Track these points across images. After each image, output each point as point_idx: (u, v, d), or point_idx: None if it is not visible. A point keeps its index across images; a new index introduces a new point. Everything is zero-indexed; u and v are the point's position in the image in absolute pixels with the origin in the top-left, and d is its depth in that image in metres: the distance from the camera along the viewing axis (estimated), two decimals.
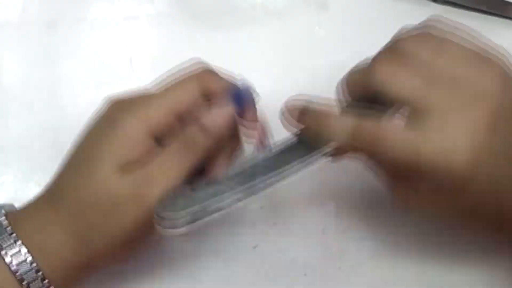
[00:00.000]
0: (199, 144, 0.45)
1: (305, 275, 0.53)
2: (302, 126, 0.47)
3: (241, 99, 0.46)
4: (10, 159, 0.56)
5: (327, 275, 0.53)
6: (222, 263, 0.53)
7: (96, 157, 0.44)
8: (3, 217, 0.44)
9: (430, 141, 0.42)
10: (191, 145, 0.45)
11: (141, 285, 0.52)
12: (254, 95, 0.47)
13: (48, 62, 0.58)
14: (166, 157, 0.45)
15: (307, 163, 0.45)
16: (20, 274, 0.43)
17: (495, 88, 0.43)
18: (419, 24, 0.46)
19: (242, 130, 0.47)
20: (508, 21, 0.61)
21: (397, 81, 0.43)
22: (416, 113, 0.42)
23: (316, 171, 0.45)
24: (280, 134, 0.52)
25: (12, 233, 0.43)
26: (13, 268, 0.42)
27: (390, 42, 0.46)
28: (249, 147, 0.49)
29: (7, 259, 0.42)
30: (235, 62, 0.59)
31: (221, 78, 0.48)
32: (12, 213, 0.45)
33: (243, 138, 0.48)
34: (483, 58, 0.44)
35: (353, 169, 0.50)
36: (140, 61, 0.59)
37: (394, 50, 0.45)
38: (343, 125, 0.44)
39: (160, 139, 0.45)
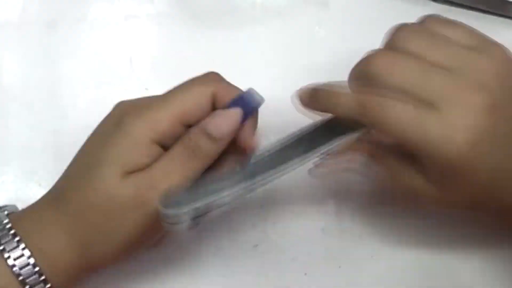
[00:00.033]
0: (204, 149, 0.44)
1: (305, 274, 0.53)
2: (313, 110, 0.47)
3: (247, 106, 0.46)
4: (10, 159, 0.55)
5: (327, 275, 0.53)
6: (222, 263, 0.53)
7: (100, 160, 0.44)
8: (6, 220, 0.44)
9: (429, 125, 0.42)
10: (195, 150, 0.44)
11: (141, 285, 0.52)
12: (260, 101, 0.46)
13: (48, 62, 0.58)
14: (169, 161, 0.44)
15: (306, 161, 0.45)
16: (23, 277, 0.42)
17: (494, 77, 0.43)
18: (416, 20, 0.47)
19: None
20: (507, 20, 0.61)
21: (394, 71, 0.43)
22: (414, 102, 0.43)
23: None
24: (280, 134, 0.52)
25: (15, 236, 0.43)
26: (16, 271, 0.42)
27: (385, 37, 0.46)
28: None
29: (10, 262, 0.42)
30: (235, 62, 0.59)
31: (230, 85, 0.47)
32: (14, 215, 0.45)
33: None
34: (481, 48, 0.44)
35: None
36: (140, 61, 0.59)
37: (390, 44, 0.45)
38: (351, 99, 0.44)
39: (166, 145, 0.45)
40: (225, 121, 0.44)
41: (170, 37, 0.61)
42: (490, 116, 0.42)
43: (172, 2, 0.61)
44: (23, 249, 0.43)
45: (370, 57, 0.44)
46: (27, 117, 0.57)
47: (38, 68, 0.58)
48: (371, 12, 0.61)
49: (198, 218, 0.43)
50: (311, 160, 0.46)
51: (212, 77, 0.47)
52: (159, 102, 0.45)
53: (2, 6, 0.60)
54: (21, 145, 0.56)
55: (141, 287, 0.52)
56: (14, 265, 0.42)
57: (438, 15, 0.47)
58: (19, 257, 0.43)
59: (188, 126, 0.45)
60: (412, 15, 0.47)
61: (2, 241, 0.43)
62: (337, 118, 0.46)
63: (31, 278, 0.43)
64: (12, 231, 0.43)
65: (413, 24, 0.46)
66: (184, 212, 0.43)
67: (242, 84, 0.47)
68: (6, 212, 0.45)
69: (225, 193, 0.44)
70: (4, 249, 0.43)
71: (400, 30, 0.45)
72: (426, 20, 0.46)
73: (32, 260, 0.43)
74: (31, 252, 0.43)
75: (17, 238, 0.43)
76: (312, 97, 0.47)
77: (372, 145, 0.46)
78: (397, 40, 0.45)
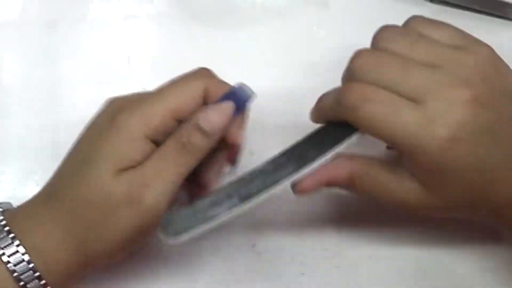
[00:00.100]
0: (196, 144, 0.44)
1: (303, 274, 0.53)
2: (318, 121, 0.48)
3: (239, 100, 0.45)
4: (9, 158, 0.56)
5: (325, 274, 0.53)
6: (220, 262, 0.53)
7: (93, 157, 0.44)
8: (1, 217, 0.44)
9: (409, 121, 0.42)
10: (188, 145, 0.44)
11: (140, 284, 0.52)
12: (252, 96, 0.46)
13: (48, 62, 0.58)
14: (161, 158, 0.44)
15: (302, 175, 0.45)
16: (17, 274, 0.43)
17: (478, 74, 0.43)
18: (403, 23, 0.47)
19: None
20: (503, 20, 0.61)
21: (374, 67, 0.43)
22: (395, 98, 0.43)
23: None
24: (280, 133, 0.53)
25: (9, 233, 0.43)
26: (11, 268, 0.42)
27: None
28: None
29: (4, 259, 0.43)
30: (235, 62, 0.59)
31: (221, 81, 0.47)
32: (9, 212, 0.45)
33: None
34: (467, 47, 0.44)
35: None
36: (140, 61, 0.59)
37: (373, 44, 0.46)
38: (333, 99, 0.45)
39: (159, 140, 0.45)
40: (218, 115, 0.44)
41: (170, 37, 0.61)
42: (474, 112, 0.42)
43: (172, 2, 0.61)
44: (18, 245, 0.43)
45: (353, 56, 0.45)
46: (26, 117, 0.57)
47: (38, 68, 0.58)
48: (370, 12, 0.61)
49: (195, 231, 0.44)
50: (308, 170, 0.46)
51: (204, 73, 0.47)
52: (152, 98, 0.45)
53: (2, 6, 0.60)
54: (20, 144, 0.56)
55: (139, 286, 0.52)
56: (8, 262, 0.42)
57: (423, 16, 0.47)
58: (14, 253, 0.43)
59: (181, 121, 0.45)
60: (409, 16, 0.47)
61: None
62: (327, 128, 0.46)
63: (25, 275, 0.43)
64: (6, 228, 0.43)
65: (396, 25, 0.46)
66: (183, 240, 0.43)
67: None
68: (0, 209, 0.45)
69: (222, 218, 0.44)
70: None
71: (382, 31, 0.46)
72: (411, 21, 0.46)
73: (26, 257, 0.43)
74: (26, 249, 0.43)
75: (11, 235, 0.43)
76: (313, 109, 0.48)
77: (362, 165, 0.46)
78: (380, 40, 0.45)
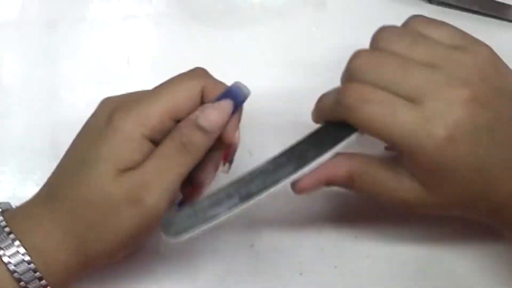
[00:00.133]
0: (196, 143, 0.44)
1: (301, 274, 0.53)
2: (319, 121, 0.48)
3: (236, 99, 0.46)
4: (9, 158, 0.56)
5: (323, 274, 0.53)
6: (219, 262, 0.53)
7: (92, 158, 0.44)
8: (0, 217, 0.44)
9: (408, 120, 0.42)
10: (187, 145, 0.44)
11: (140, 284, 0.52)
12: (248, 94, 0.46)
13: (48, 62, 0.58)
14: (161, 159, 0.44)
15: (303, 170, 0.45)
16: (18, 274, 0.43)
17: (476, 74, 0.43)
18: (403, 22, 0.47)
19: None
20: (503, 22, 0.61)
21: (373, 67, 0.43)
22: (393, 97, 0.43)
23: None
24: (280, 133, 0.53)
25: (10, 233, 0.43)
26: (11, 268, 0.42)
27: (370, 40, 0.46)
28: None
29: (5, 259, 0.42)
30: (234, 62, 0.59)
31: (217, 81, 0.47)
32: (8, 212, 0.45)
33: None
34: (466, 47, 0.44)
35: None
36: (140, 61, 0.59)
37: (372, 45, 0.46)
38: (332, 99, 0.45)
39: (157, 140, 0.45)
40: (217, 114, 0.44)
41: (169, 37, 0.61)
42: (472, 111, 0.42)
43: (171, 2, 0.61)
44: (18, 246, 0.43)
45: (352, 56, 0.45)
46: (26, 117, 0.57)
47: (38, 68, 0.58)
48: (369, 13, 0.61)
49: (195, 230, 0.44)
50: (308, 169, 0.46)
51: (200, 73, 0.47)
52: (149, 97, 0.45)
53: (1, 6, 0.60)
54: (20, 144, 0.56)
55: (138, 286, 0.52)
56: (9, 262, 0.42)
57: (423, 15, 0.47)
58: (14, 254, 0.43)
59: (177, 121, 0.45)
60: (407, 16, 0.47)
61: None
62: (327, 127, 0.46)
63: (26, 275, 0.43)
64: (6, 229, 0.43)
65: (395, 26, 0.46)
66: (183, 224, 0.44)
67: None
68: (0, 210, 0.45)
69: (222, 217, 0.44)
70: None
71: (382, 31, 0.46)
72: (411, 21, 0.46)
73: (27, 258, 0.43)
74: (26, 250, 0.43)
75: (12, 236, 0.43)
76: (313, 109, 0.48)
77: (361, 164, 0.46)
78: (379, 40, 0.45)
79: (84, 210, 0.43)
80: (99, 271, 0.48)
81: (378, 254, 0.54)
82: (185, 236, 0.43)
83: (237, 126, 0.47)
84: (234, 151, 0.47)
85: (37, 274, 0.43)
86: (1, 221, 0.44)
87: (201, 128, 0.44)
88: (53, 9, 0.60)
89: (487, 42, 0.45)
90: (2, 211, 0.45)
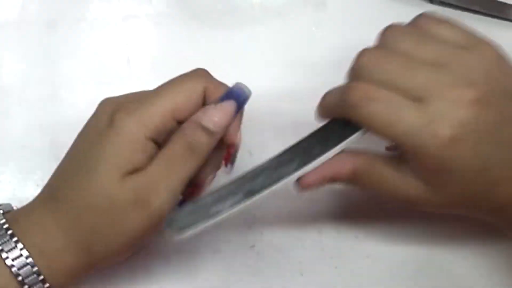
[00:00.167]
0: (201, 144, 0.44)
1: (301, 274, 0.53)
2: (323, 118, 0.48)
3: (238, 99, 0.45)
4: (9, 159, 0.55)
5: (323, 274, 0.53)
6: (219, 262, 0.53)
7: (95, 159, 0.43)
8: (3, 220, 0.44)
9: (412, 119, 0.42)
10: (193, 146, 0.44)
11: (140, 284, 0.52)
12: (249, 94, 0.46)
13: (48, 62, 0.58)
14: (167, 161, 0.44)
15: (307, 167, 0.45)
16: (21, 277, 0.42)
17: (482, 74, 0.43)
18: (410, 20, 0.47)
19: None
20: (502, 21, 0.61)
21: (379, 66, 0.43)
22: (399, 96, 0.43)
23: None
24: (280, 133, 0.53)
25: (12, 236, 0.43)
26: (15, 271, 0.42)
27: (376, 38, 0.46)
28: None
29: (8, 262, 0.42)
30: (235, 62, 0.59)
31: (218, 82, 0.46)
32: (10, 214, 0.45)
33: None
34: (472, 46, 0.44)
35: None
36: (140, 61, 0.59)
37: (379, 44, 0.46)
38: (337, 96, 0.45)
39: (159, 141, 0.45)
40: (221, 114, 0.44)
41: (169, 37, 0.61)
42: (477, 112, 0.41)
43: (171, 2, 0.61)
44: (21, 249, 0.42)
45: (358, 54, 0.45)
46: (26, 117, 0.57)
47: (38, 68, 0.58)
48: (369, 13, 0.62)
49: (198, 227, 0.44)
50: (311, 167, 0.46)
51: (202, 73, 0.47)
52: (151, 98, 0.45)
53: (1, 6, 0.60)
54: (20, 144, 0.56)
55: (139, 286, 0.52)
56: (12, 265, 0.42)
57: (431, 13, 0.47)
58: (18, 257, 0.42)
59: (179, 122, 0.45)
60: (408, 16, 0.47)
61: (0, 241, 0.43)
62: (332, 125, 0.46)
63: (29, 278, 0.42)
64: (9, 231, 0.43)
65: (402, 24, 0.46)
66: (187, 236, 0.44)
67: None
68: (1, 211, 0.45)
69: (226, 214, 0.44)
70: (2, 250, 0.42)
71: (388, 30, 0.46)
72: (418, 19, 0.46)
73: (30, 260, 0.42)
74: (30, 252, 0.43)
75: (14, 239, 0.43)
76: (317, 106, 0.48)
77: (366, 161, 0.46)
78: (386, 39, 0.45)
79: (87, 212, 0.43)
80: (99, 271, 0.48)
81: (378, 254, 0.54)
82: (188, 232, 0.43)
83: (239, 127, 0.47)
84: (236, 151, 0.47)
85: (41, 277, 0.43)
86: (4, 223, 0.44)
87: (205, 129, 0.44)
88: (53, 9, 0.60)
89: None
90: (4, 213, 0.45)
